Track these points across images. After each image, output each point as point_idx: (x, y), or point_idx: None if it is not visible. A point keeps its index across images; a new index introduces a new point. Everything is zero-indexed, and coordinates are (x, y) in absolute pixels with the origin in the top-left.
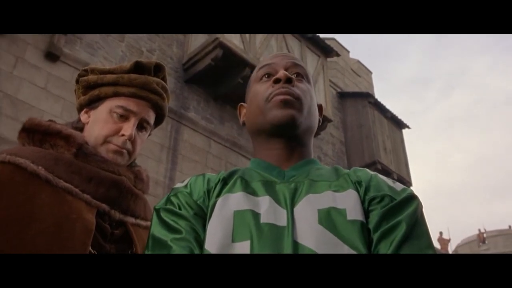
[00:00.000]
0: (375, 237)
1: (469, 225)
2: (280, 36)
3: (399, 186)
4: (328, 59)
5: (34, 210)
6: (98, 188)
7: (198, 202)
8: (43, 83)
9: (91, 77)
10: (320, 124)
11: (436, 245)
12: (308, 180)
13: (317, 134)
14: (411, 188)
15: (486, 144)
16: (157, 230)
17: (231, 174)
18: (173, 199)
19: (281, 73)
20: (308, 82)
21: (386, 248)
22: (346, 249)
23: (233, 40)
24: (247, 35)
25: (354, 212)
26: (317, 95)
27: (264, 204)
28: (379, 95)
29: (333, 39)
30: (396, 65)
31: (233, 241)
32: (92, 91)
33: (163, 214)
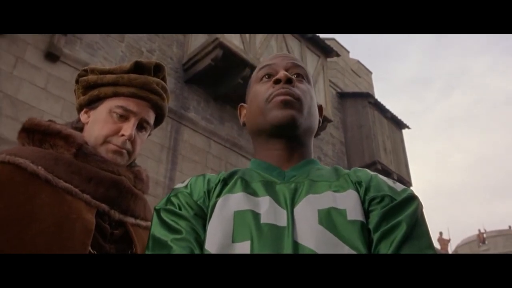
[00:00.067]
0: (375, 237)
1: (469, 225)
2: (280, 36)
3: (399, 186)
4: (328, 59)
5: (34, 210)
6: (97, 188)
7: (198, 202)
8: (43, 83)
9: (91, 77)
10: (320, 124)
11: (436, 245)
12: (308, 180)
13: (317, 134)
14: (411, 188)
15: (486, 144)
16: (158, 231)
17: (231, 175)
18: (174, 199)
19: (282, 74)
20: (308, 82)
21: (386, 248)
22: (346, 249)
23: (233, 41)
24: (247, 35)
25: (354, 212)
26: (317, 95)
27: (264, 205)
28: (379, 95)
29: (333, 39)
30: (396, 65)
31: (233, 241)
32: (91, 91)
33: (164, 215)
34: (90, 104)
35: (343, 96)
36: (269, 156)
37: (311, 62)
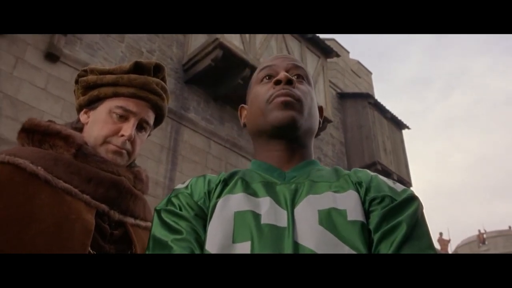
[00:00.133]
0: (375, 237)
1: (469, 226)
2: (280, 36)
3: (399, 187)
4: (328, 60)
5: (33, 210)
6: (97, 188)
7: (198, 203)
8: (43, 84)
9: (91, 78)
10: (321, 125)
11: (436, 245)
12: (309, 181)
13: (317, 134)
14: (411, 188)
15: (486, 144)
16: (158, 231)
17: (231, 175)
18: (174, 200)
19: (282, 75)
20: (309, 83)
21: (386, 248)
22: (346, 250)
23: (233, 41)
24: (247, 35)
25: (354, 212)
26: (317, 95)
27: (265, 205)
28: (379, 96)
29: (333, 39)
30: (396, 65)
31: (233, 242)
32: (91, 92)
33: (164, 215)
34: (90, 104)
35: (343, 96)
36: (270, 157)
37: (311, 63)
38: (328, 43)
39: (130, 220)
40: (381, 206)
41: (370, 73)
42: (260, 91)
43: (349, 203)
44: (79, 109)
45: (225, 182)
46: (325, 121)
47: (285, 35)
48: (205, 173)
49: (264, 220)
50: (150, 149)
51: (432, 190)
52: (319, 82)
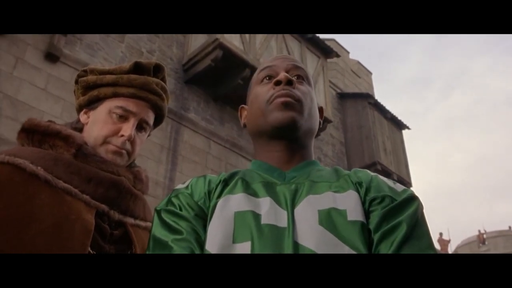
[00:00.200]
0: (375, 237)
1: (469, 226)
2: (280, 37)
3: (399, 187)
4: (328, 60)
5: (33, 210)
6: (97, 188)
7: (199, 203)
8: (43, 84)
9: (91, 78)
10: (321, 126)
11: (436, 246)
12: (309, 181)
13: (317, 135)
14: (411, 189)
15: (486, 144)
16: (158, 231)
17: (232, 176)
18: (174, 200)
19: (282, 75)
20: (309, 84)
21: (386, 248)
22: (346, 250)
23: (233, 41)
24: (247, 36)
25: (354, 212)
26: (317, 96)
27: (265, 205)
28: (379, 96)
29: (333, 39)
30: (396, 65)
31: (233, 242)
32: (91, 92)
33: (164, 215)
34: (90, 104)
35: (343, 96)
36: (270, 158)
37: (311, 63)
38: (328, 43)
39: (130, 220)
40: (381, 206)
41: (370, 73)
42: (260, 92)
43: (349, 203)
44: (79, 109)
45: (225, 182)
46: (325, 121)
47: (285, 35)
48: (205, 173)
49: (264, 220)
50: (150, 149)
51: (432, 191)
52: (319, 82)
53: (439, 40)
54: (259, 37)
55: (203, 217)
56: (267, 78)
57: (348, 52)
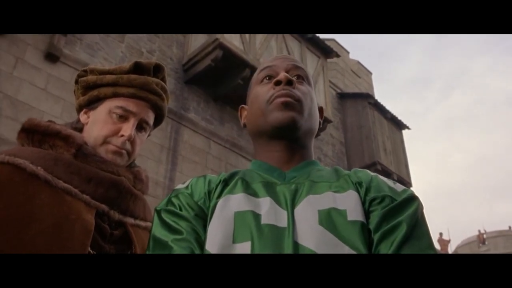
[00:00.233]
0: (375, 237)
1: (469, 226)
2: (280, 37)
3: (399, 187)
4: (328, 60)
5: (33, 210)
6: (97, 188)
7: (199, 203)
8: (43, 84)
9: (91, 78)
10: (321, 126)
11: (436, 246)
12: (309, 181)
13: (317, 135)
14: (411, 189)
15: (486, 144)
16: (158, 231)
17: (232, 176)
18: (174, 200)
19: (282, 75)
20: (309, 84)
21: (386, 248)
22: (346, 250)
23: (233, 41)
24: (247, 36)
25: (354, 212)
26: (317, 96)
27: (265, 205)
28: (379, 96)
29: (333, 39)
30: (396, 65)
31: (233, 242)
32: (91, 92)
33: (164, 215)
34: (90, 104)
35: (343, 96)
36: (270, 158)
37: (311, 63)
38: (328, 43)
39: (130, 220)
40: (381, 206)
41: (370, 73)
42: (260, 92)
43: (349, 203)
44: (79, 109)
45: (225, 182)
46: (325, 121)
47: (285, 35)
48: (205, 173)
49: (264, 220)
50: (150, 149)
51: (432, 191)
52: (319, 82)
53: (439, 40)
54: (259, 37)
55: (203, 217)
56: (267, 78)
57: (348, 52)
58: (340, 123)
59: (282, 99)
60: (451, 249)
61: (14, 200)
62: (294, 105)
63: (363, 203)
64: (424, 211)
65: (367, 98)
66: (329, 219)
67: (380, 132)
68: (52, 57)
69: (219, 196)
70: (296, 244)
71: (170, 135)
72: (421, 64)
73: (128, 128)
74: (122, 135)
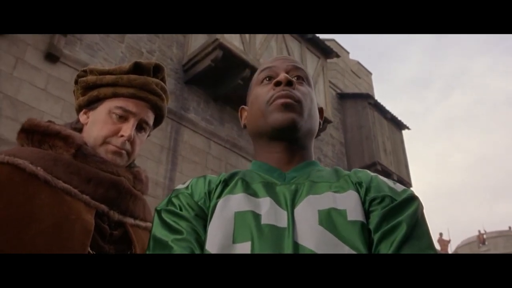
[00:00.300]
0: (375, 237)
1: (469, 226)
2: (280, 37)
3: (399, 187)
4: (328, 60)
5: (33, 211)
6: (97, 188)
7: (199, 203)
8: (43, 84)
9: (90, 78)
10: (321, 126)
11: (436, 246)
12: (309, 181)
13: (317, 135)
14: (411, 189)
15: (486, 144)
16: (158, 231)
17: (232, 176)
18: (174, 200)
19: (282, 76)
20: (309, 85)
21: (386, 248)
22: (346, 250)
23: (233, 41)
24: (247, 36)
25: (354, 212)
26: (317, 96)
27: (265, 206)
28: (379, 96)
29: (333, 40)
30: (396, 65)
31: (234, 242)
32: (91, 92)
33: (164, 215)
34: (90, 104)
35: (343, 97)
36: (270, 158)
37: (311, 63)
38: (328, 43)
39: (130, 220)
40: (381, 206)
41: (370, 73)
42: (260, 93)
43: (349, 203)
44: (78, 110)
45: (225, 183)
46: (325, 122)
47: (285, 35)
48: (205, 174)
49: (264, 221)
50: (150, 149)
51: (432, 191)
52: (319, 82)
53: (439, 40)
54: (259, 37)
55: (203, 217)
56: (267, 79)
57: (348, 53)
58: (340, 124)
59: (282, 100)
60: (451, 249)
61: (14, 200)
62: (294, 106)
63: (363, 203)
64: (424, 211)
65: (367, 99)
66: (329, 219)
67: (380, 133)
68: (52, 57)
69: (219, 196)
70: (296, 244)
71: (170, 135)
72: (421, 64)
73: (128, 129)
74: (122, 136)
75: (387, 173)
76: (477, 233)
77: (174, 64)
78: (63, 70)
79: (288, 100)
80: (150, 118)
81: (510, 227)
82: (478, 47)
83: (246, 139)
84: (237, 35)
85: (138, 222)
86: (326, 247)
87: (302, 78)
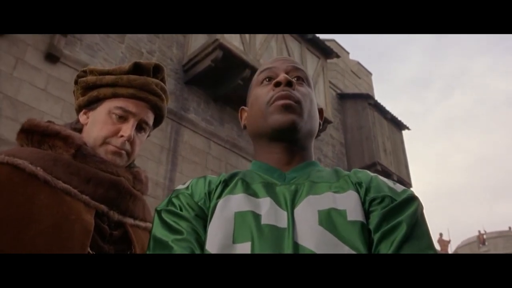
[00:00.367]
0: (375, 237)
1: (469, 226)
2: (280, 37)
3: (399, 187)
4: (328, 61)
5: (33, 211)
6: (96, 189)
7: (199, 203)
8: (43, 85)
9: (90, 78)
10: (321, 127)
11: (436, 246)
12: (309, 181)
13: (317, 135)
14: (411, 189)
15: (486, 144)
16: (159, 231)
17: (232, 176)
18: (175, 200)
19: (282, 77)
20: (309, 85)
21: (386, 248)
22: (346, 250)
23: (233, 42)
24: (247, 36)
25: (354, 213)
26: (317, 96)
27: (265, 206)
28: (379, 97)
29: (333, 40)
30: (396, 66)
31: (234, 242)
32: (91, 92)
33: (165, 215)
34: (89, 105)
35: (343, 97)
36: (270, 159)
37: (311, 64)
38: (328, 44)
39: (130, 220)
40: (381, 206)
41: (370, 73)
42: (260, 93)
43: (349, 204)
44: (78, 110)
45: (226, 183)
46: (325, 122)
47: (285, 36)
48: (205, 174)
49: (264, 221)
50: (150, 149)
51: (432, 192)
52: (319, 83)
53: (439, 40)
54: (259, 38)
55: (203, 217)
56: (267, 79)
57: (348, 53)
58: (340, 124)
59: (282, 102)
60: (451, 250)
61: (13, 200)
62: (294, 107)
63: (363, 203)
64: (424, 211)
65: (367, 99)
66: (329, 220)
67: (380, 133)
68: (52, 57)
69: (219, 197)
70: (296, 245)
71: (170, 135)
72: (421, 64)
73: (127, 129)
74: (122, 136)
75: (387, 173)
76: (477, 234)
77: (174, 64)
78: (63, 71)
79: (288, 101)
80: (150, 118)
81: (510, 228)
82: (478, 47)
83: (246, 140)
84: (237, 35)
85: (138, 222)
86: (326, 247)
87: (302, 78)
